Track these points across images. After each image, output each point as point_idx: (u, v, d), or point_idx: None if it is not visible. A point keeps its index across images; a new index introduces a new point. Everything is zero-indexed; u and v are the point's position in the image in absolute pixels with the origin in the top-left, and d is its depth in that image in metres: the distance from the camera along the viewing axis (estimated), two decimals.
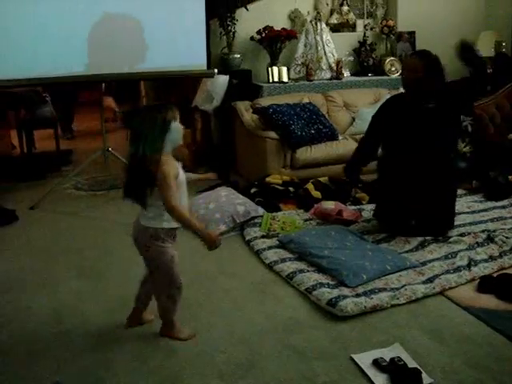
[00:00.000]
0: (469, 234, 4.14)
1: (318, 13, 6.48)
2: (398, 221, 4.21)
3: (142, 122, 2.71)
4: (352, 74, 6.73)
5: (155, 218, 2.78)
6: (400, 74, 4.21)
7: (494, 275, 3.58)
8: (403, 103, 4.19)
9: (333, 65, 6.46)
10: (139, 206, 2.82)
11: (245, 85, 6.12)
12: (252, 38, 6.26)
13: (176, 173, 2.74)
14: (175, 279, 2.88)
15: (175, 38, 5.38)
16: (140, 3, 5.25)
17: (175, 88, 6.95)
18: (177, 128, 2.76)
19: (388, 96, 5.87)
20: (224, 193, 4.82)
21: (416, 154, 4.03)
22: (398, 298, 3.28)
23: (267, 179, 5.15)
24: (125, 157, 5.55)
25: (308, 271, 3.65)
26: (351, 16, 6.89)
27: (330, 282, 3.48)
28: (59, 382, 2.61)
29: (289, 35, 6.24)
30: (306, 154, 5.37)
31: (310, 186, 5.01)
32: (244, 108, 5.79)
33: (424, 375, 2.60)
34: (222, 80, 5.91)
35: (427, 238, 4.09)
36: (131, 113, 2.89)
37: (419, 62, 4.03)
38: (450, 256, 3.82)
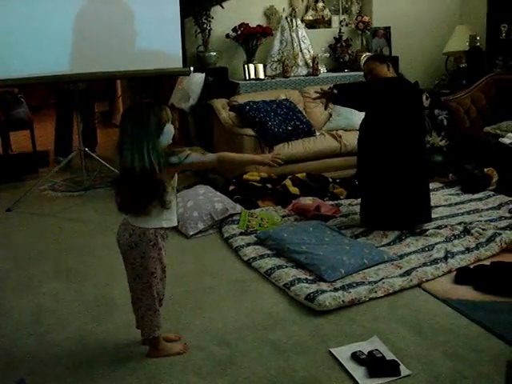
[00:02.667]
0: (445, 226, 4.18)
1: (294, 9, 6.48)
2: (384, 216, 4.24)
3: (136, 127, 2.51)
4: (328, 70, 6.73)
5: (154, 217, 2.62)
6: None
7: (471, 267, 3.61)
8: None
9: (309, 61, 6.47)
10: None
11: (221, 82, 6.10)
12: (228, 36, 6.25)
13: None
14: (161, 290, 2.77)
15: (150, 37, 5.35)
16: (115, 2, 5.22)
17: (151, 87, 6.93)
18: (170, 130, 2.60)
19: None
20: (202, 191, 4.81)
21: (390, 147, 4.08)
22: (375, 292, 3.30)
23: (245, 176, 5.15)
24: (101, 156, 5.58)
25: (286, 267, 3.66)
26: (326, 12, 6.89)
27: (309, 277, 3.49)
28: (23, 379, 2.58)
29: (264, 32, 6.23)
30: (283, 150, 5.37)
31: (287, 183, 5.02)
32: (221, 106, 5.77)
33: (402, 367, 2.62)
34: (198, 78, 5.90)
35: (404, 231, 4.12)
36: (123, 114, 2.66)
37: (367, 63, 4.30)
38: (426, 249, 3.85)
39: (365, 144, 4.27)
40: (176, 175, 2.69)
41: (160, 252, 2.67)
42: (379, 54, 4.34)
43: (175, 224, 2.75)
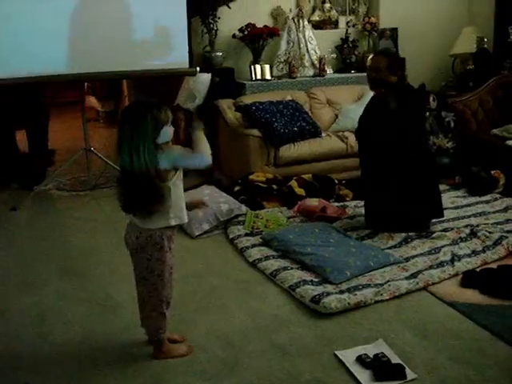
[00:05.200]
0: (452, 229, 4.16)
1: (300, 10, 6.46)
2: (388, 218, 4.21)
3: (133, 127, 2.45)
4: (335, 71, 6.71)
5: (159, 217, 2.59)
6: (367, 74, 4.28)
7: (478, 270, 3.59)
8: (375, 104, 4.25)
9: (315, 62, 6.45)
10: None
11: (227, 83, 6.08)
12: (234, 36, 6.23)
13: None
14: (169, 293, 2.76)
15: (157, 36, 5.35)
16: (122, 1, 5.22)
17: (158, 87, 6.92)
18: (168, 132, 2.52)
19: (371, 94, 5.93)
20: (207, 191, 4.81)
21: (390, 153, 4.06)
22: (381, 294, 3.28)
23: (250, 177, 5.13)
24: (106, 156, 5.57)
25: (292, 268, 3.64)
26: (333, 13, 6.86)
27: (314, 279, 3.47)
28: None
29: (271, 33, 6.21)
30: (289, 151, 5.35)
31: (293, 184, 5.01)
32: (227, 106, 5.76)
33: (408, 371, 2.60)
34: (205, 78, 5.88)
35: (410, 233, 4.09)
36: (121, 113, 2.64)
37: (382, 61, 4.09)
38: (433, 251, 3.83)
39: (366, 148, 4.28)
40: (180, 173, 2.64)
41: (166, 255, 2.65)
42: (396, 58, 4.18)
43: (185, 221, 2.73)
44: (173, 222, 2.64)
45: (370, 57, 4.33)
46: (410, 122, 4.07)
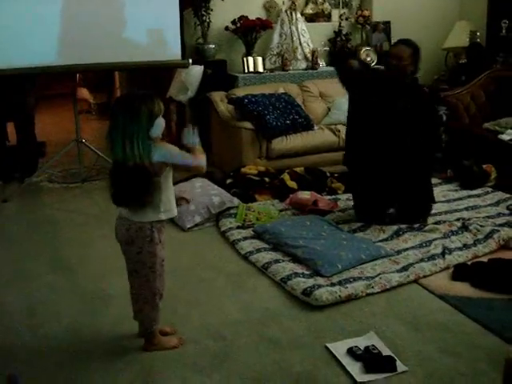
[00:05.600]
0: (444, 222, 4.17)
1: (293, 3, 6.43)
2: (377, 211, 4.21)
3: (128, 118, 2.44)
4: (327, 64, 6.70)
5: (150, 210, 2.59)
6: (385, 62, 4.24)
7: (469, 263, 3.60)
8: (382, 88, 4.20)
9: (308, 55, 6.44)
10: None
11: (220, 75, 6.06)
12: (227, 28, 6.21)
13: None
14: (161, 285, 2.76)
15: (149, 28, 5.32)
16: None
17: (150, 79, 6.89)
18: (160, 124, 2.52)
19: None
20: (199, 184, 4.80)
21: (389, 145, 4.06)
22: (372, 287, 3.29)
23: (243, 170, 5.13)
24: (98, 148, 5.54)
25: (283, 261, 3.64)
26: (326, 6, 6.85)
27: (305, 272, 3.47)
28: (15, 375, 2.57)
29: (264, 25, 6.19)
30: (281, 144, 5.35)
31: (285, 177, 5.00)
32: (219, 99, 5.74)
33: (398, 363, 2.61)
34: (197, 70, 5.86)
35: (402, 226, 4.10)
36: (114, 103, 2.63)
37: (406, 50, 4.08)
38: (424, 244, 3.83)
39: (353, 139, 4.28)
40: (170, 167, 2.63)
41: (156, 247, 2.65)
42: (418, 49, 4.13)
43: (175, 215, 2.73)
44: (163, 217, 2.64)
45: (393, 44, 4.34)
46: (411, 117, 4.08)
